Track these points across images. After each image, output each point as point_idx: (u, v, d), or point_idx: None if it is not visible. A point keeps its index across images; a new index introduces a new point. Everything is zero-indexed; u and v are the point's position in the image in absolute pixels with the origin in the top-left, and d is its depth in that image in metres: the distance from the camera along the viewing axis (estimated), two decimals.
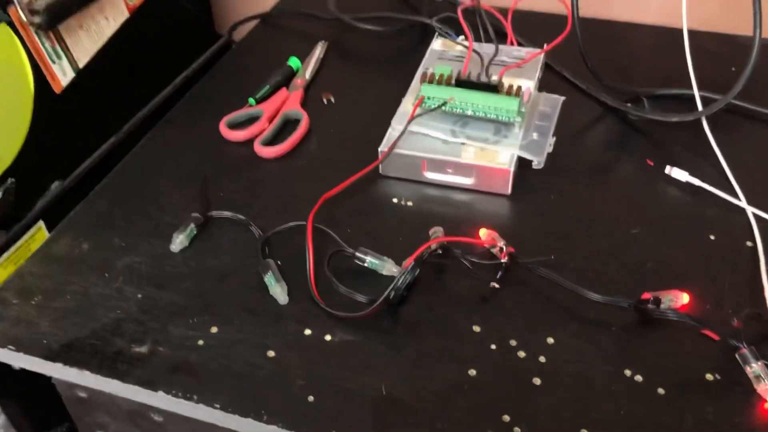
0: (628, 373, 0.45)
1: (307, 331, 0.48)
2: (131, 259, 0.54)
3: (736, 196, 0.57)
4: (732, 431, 0.42)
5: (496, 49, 0.65)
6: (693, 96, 0.63)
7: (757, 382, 0.43)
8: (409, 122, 0.60)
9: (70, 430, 0.64)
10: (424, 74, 0.62)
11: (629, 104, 0.67)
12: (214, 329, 0.49)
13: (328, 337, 0.48)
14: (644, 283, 0.50)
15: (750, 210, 0.55)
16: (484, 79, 0.61)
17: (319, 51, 0.76)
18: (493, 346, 0.47)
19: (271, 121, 0.66)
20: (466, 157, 0.58)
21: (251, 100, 0.69)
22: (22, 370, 0.49)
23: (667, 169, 0.59)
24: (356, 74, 0.74)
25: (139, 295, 0.51)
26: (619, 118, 0.67)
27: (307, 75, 0.72)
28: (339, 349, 0.47)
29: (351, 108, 0.69)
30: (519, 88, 0.60)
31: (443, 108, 0.60)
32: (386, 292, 0.48)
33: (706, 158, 0.61)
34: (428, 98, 0.61)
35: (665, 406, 0.43)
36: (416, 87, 0.64)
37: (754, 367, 0.43)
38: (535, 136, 0.60)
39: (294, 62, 0.73)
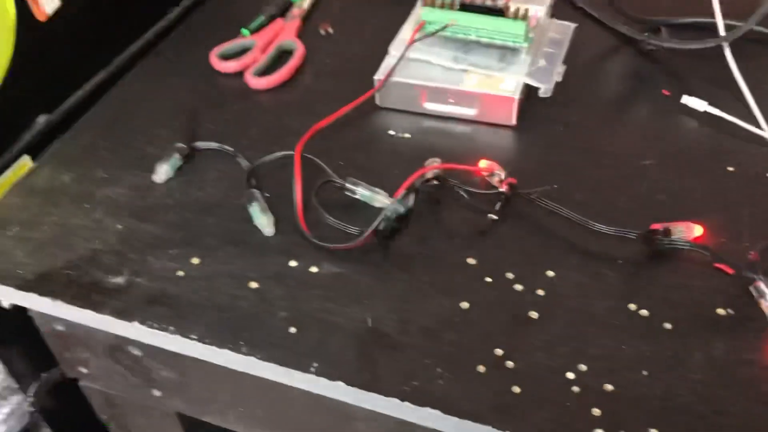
0: (632, 307, 0.42)
1: (293, 263, 0.46)
2: (113, 190, 0.52)
3: (758, 125, 0.53)
4: (741, 368, 0.39)
5: None
6: (714, 24, 0.58)
7: None
8: (408, 48, 0.56)
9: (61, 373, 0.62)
10: None
11: (646, 34, 0.62)
12: (195, 261, 0.46)
13: (314, 269, 0.45)
14: (654, 215, 0.47)
15: None
16: (489, 2, 0.57)
17: None
18: (489, 279, 0.44)
19: (264, 51, 0.63)
20: (469, 85, 0.54)
21: (244, 31, 0.65)
22: (16, 314, 0.47)
23: (684, 99, 0.55)
24: (358, 4, 0.70)
25: (119, 227, 0.49)
26: (636, 49, 0.62)
27: (305, 4, 0.69)
28: (325, 281, 0.45)
29: (350, 39, 0.66)
30: (526, 11, 0.56)
31: (445, 33, 0.56)
32: (375, 222, 0.45)
33: (728, 88, 0.56)
34: (429, 23, 0.57)
35: (671, 341, 0.40)
36: (418, 13, 0.60)
37: None
38: (542, 63, 0.56)
39: None
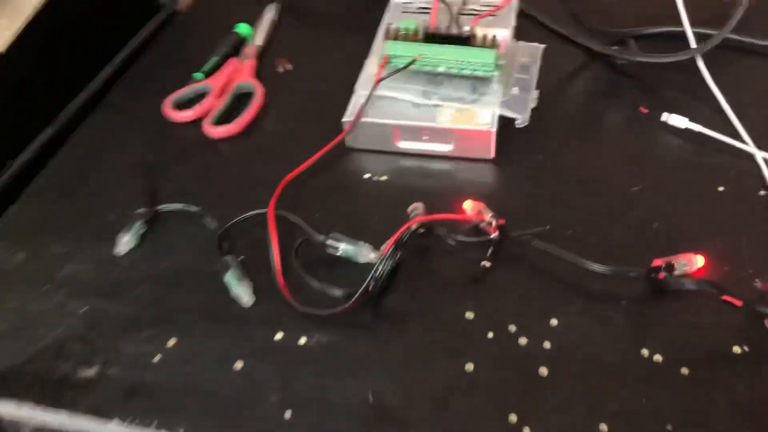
0: (645, 353, 0.40)
1: (279, 336, 0.43)
2: (73, 267, 0.48)
3: (742, 140, 0.51)
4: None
5: None
6: (683, 33, 0.57)
7: None
8: (375, 86, 0.53)
9: None
10: (388, 30, 0.55)
11: (615, 47, 0.60)
12: (171, 342, 0.43)
13: (302, 341, 0.42)
14: (652, 246, 0.45)
15: (760, 155, 0.50)
16: (454, 30, 0.55)
17: (270, 13, 0.68)
18: (491, 335, 0.41)
19: (220, 96, 0.59)
20: (442, 121, 0.52)
21: (197, 75, 0.62)
22: None
23: (664, 117, 0.53)
24: (314, 36, 0.67)
25: (85, 309, 0.45)
26: (606, 64, 0.60)
27: (259, 41, 0.65)
28: (316, 353, 0.41)
29: (311, 75, 0.62)
30: (494, 37, 0.53)
31: (412, 67, 0.54)
32: (364, 284, 0.42)
33: (705, 100, 0.55)
34: (394, 57, 0.54)
35: (690, 388, 0.38)
36: (380, 46, 0.57)
37: None
38: (515, 91, 0.54)
39: (243, 28, 0.66)
